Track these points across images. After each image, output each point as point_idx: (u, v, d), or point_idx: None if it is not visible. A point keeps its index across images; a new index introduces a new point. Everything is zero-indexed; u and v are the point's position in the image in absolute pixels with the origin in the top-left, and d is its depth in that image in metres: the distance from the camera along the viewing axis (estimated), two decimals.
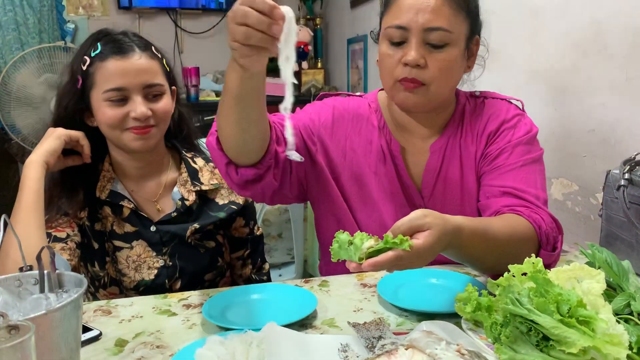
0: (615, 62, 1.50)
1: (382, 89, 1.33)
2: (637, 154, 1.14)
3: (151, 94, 1.23)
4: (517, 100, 1.29)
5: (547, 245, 1.07)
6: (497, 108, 1.25)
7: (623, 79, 1.48)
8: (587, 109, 1.62)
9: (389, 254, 0.81)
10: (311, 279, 1.16)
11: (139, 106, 1.20)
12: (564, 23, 1.70)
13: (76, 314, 0.69)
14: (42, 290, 0.75)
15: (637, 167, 1.12)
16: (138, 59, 1.21)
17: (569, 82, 1.70)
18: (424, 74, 1.12)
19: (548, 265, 1.05)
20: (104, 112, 1.21)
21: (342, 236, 0.84)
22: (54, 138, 1.19)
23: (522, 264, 0.99)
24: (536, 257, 1.04)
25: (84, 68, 1.22)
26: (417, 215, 0.86)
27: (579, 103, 1.66)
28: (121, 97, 1.20)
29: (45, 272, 0.74)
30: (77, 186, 1.27)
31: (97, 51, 1.21)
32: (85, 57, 1.22)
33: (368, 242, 0.82)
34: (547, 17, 1.78)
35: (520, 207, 1.10)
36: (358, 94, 1.32)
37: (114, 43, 1.22)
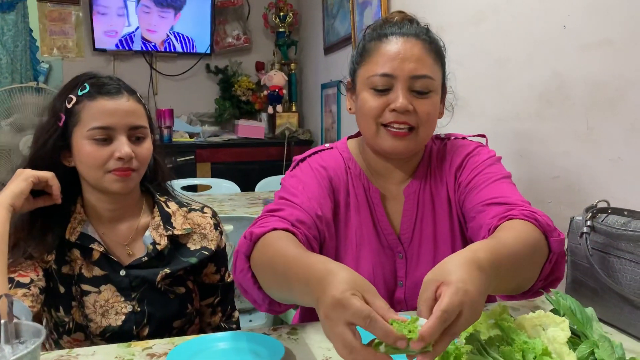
0: (577, 111, 1.56)
1: (350, 137, 1.35)
2: (599, 202, 1.17)
3: (135, 135, 1.24)
4: (481, 137, 1.33)
5: (552, 232, 1.03)
6: (459, 145, 1.29)
7: (584, 128, 1.53)
8: (552, 156, 1.67)
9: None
10: (280, 326, 1.14)
11: (123, 146, 1.21)
12: (528, 74, 1.76)
13: None
14: None
15: (599, 214, 1.15)
16: (126, 102, 1.23)
17: (534, 130, 1.75)
18: (412, 119, 1.16)
19: (564, 250, 1.02)
20: (87, 151, 1.20)
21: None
22: (21, 180, 1.17)
23: (540, 265, 0.99)
24: (550, 249, 1.01)
25: (69, 106, 1.23)
26: (427, 278, 0.75)
27: (544, 150, 1.71)
28: (105, 137, 1.21)
29: (2, 321, 0.72)
30: (47, 228, 1.25)
31: (86, 90, 1.22)
32: (72, 95, 1.23)
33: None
34: (512, 68, 1.84)
35: (509, 211, 1.06)
36: (327, 145, 1.33)
37: (103, 85, 1.24)
